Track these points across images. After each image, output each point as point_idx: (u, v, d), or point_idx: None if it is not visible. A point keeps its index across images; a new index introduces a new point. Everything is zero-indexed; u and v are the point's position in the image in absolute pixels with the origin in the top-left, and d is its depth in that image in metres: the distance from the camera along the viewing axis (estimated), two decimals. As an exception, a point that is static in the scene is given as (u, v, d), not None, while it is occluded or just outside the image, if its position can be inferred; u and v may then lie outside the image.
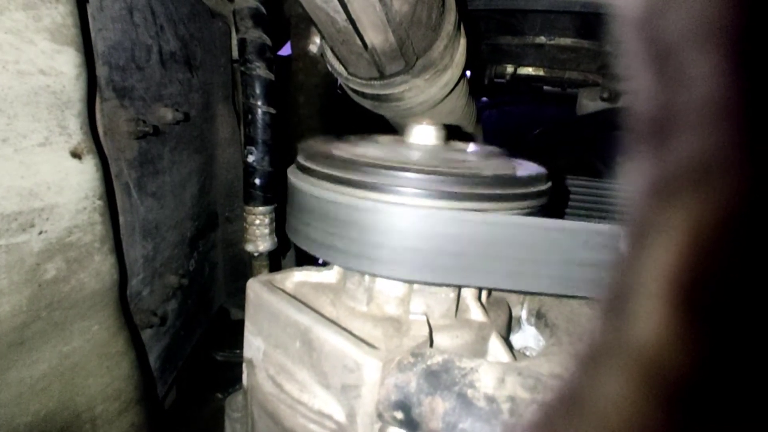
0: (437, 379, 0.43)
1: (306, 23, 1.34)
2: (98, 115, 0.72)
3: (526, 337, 0.68)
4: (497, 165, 0.56)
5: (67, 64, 0.60)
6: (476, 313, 0.56)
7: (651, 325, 0.16)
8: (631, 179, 0.16)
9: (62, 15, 0.59)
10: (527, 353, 0.65)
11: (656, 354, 0.16)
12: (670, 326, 0.15)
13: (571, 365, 0.18)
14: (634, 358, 0.16)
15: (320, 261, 1.35)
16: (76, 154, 0.63)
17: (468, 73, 1.20)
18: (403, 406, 0.43)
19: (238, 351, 1.27)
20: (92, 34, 0.68)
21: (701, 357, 0.15)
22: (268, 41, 0.98)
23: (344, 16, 0.65)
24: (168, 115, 0.88)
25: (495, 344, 0.55)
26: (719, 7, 0.14)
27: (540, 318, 0.65)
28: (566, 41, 1.37)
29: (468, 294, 0.57)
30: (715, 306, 0.15)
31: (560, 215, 0.85)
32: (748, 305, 0.15)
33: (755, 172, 0.14)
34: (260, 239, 1.02)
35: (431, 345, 0.51)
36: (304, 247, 0.56)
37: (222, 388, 1.21)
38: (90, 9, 0.68)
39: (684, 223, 0.15)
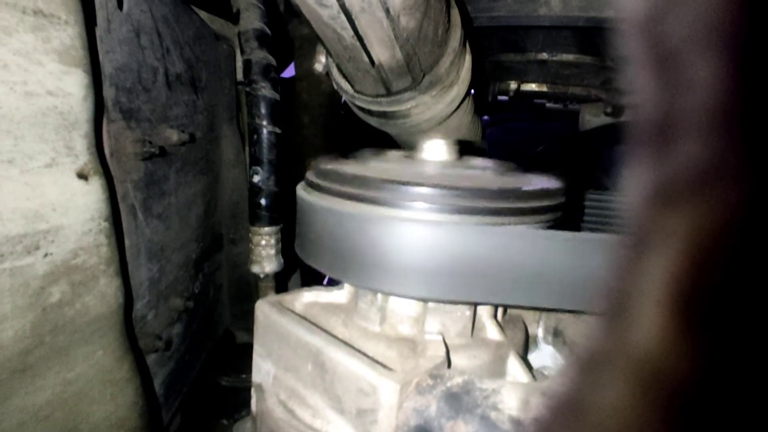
0: (458, 401, 0.41)
1: (310, 44, 1.35)
2: (105, 136, 0.71)
3: (543, 356, 0.66)
4: (512, 179, 0.55)
5: (74, 85, 0.60)
6: (493, 332, 0.55)
7: (651, 332, 0.16)
8: (632, 185, 0.16)
9: (71, 37, 0.58)
10: (545, 372, 0.63)
11: (656, 360, 0.16)
12: (670, 333, 0.15)
13: (572, 371, 0.18)
14: (635, 365, 0.16)
15: (325, 281, 1.34)
16: (82, 175, 0.62)
17: (472, 90, 1.20)
18: (424, 431, 0.41)
19: (244, 375, 1.24)
20: (100, 56, 0.68)
21: (701, 364, 0.15)
22: (273, 62, 0.98)
23: (351, 33, 0.65)
24: (174, 136, 0.88)
25: (513, 364, 0.53)
26: (722, 11, 0.14)
27: (557, 336, 0.63)
28: (569, 57, 1.38)
29: (484, 312, 0.56)
30: (715, 313, 0.15)
31: (576, 229, 0.83)
32: (748, 312, 0.15)
33: (756, 178, 0.14)
34: (266, 260, 1.01)
35: (449, 366, 0.50)
36: (315, 266, 0.55)
37: (227, 414, 1.17)
38: (98, 31, 0.68)
39: (684, 230, 0.15)
